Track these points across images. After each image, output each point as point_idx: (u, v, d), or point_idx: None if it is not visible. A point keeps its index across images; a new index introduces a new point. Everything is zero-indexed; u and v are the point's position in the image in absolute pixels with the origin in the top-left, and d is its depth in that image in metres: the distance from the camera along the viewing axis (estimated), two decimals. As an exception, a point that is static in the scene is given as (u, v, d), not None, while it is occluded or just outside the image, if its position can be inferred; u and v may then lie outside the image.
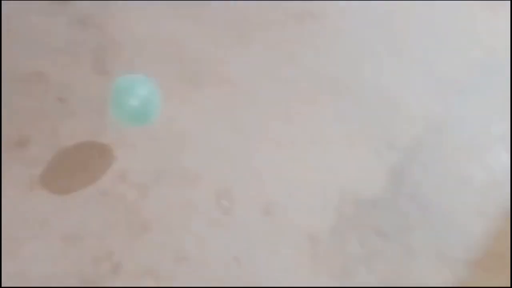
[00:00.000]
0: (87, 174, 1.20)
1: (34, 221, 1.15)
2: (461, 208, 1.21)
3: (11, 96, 1.27)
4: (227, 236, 1.14)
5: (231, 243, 1.13)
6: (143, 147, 1.23)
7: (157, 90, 1.16)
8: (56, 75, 1.30)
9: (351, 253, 1.13)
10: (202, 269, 1.10)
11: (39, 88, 1.29)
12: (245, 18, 1.41)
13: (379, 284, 1.10)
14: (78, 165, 1.21)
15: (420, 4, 1.61)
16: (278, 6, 1.45)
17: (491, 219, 1.20)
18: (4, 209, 1.15)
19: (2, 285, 1.10)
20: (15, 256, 1.11)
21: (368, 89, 1.36)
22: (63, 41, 1.35)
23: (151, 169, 1.21)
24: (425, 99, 1.38)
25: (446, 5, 1.64)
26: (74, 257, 1.11)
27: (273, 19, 1.42)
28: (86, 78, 1.31)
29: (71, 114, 1.26)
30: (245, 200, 1.19)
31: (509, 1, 1.62)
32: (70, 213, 1.16)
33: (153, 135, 1.25)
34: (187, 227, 1.15)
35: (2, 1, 1.39)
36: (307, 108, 1.32)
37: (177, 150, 1.24)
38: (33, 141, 1.22)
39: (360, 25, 1.48)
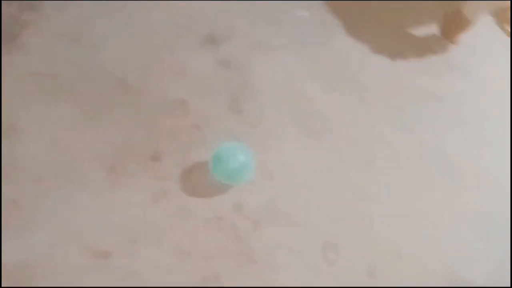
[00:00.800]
0: (207, 198, 1.30)
1: (153, 230, 1.26)
2: None
3: (154, 116, 1.43)
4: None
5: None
6: (262, 185, 1.32)
7: (252, 157, 1.30)
8: (196, 105, 1.46)
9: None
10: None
11: (179, 113, 1.44)
12: (372, 89, 1.52)
13: None
14: (201, 188, 1.32)
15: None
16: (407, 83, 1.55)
17: None
18: (129, 213, 1.27)
19: (2, 285, 1.17)
20: (132, 256, 1.22)
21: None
22: (207, 77, 1.51)
23: (265, 206, 1.29)
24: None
25: None
26: (184, 271, 1.19)
27: (397, 93, 1.52)
28: (221, 113, 1.45)
29: (202, 141, 1.39)
30: (350, 257, 1.23)
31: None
32: (184, 230, 1.26)
33: (272, 176, 1.34)
34: (291, 268, 1.20)
35: None
36: (422, 183, 1.36)
37: (293, 194, 1.32)
38: (165, 158, 1.36)
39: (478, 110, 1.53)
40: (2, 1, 1.66)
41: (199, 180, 1.33)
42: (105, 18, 1.66)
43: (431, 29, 1.74)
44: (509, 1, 1.58)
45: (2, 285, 1.19)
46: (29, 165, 1.35)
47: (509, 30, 1.77)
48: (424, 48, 1.68)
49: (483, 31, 1.73)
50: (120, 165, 1.36)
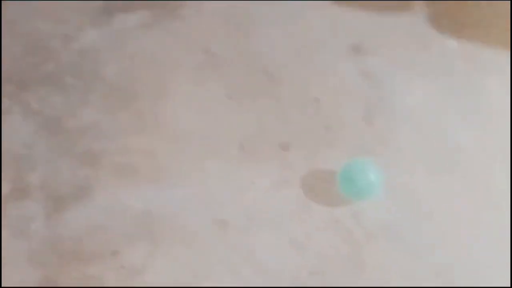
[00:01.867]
0: (327, 200, 1.33)
1: (271, 214, 1.31)
2: None
3: (289, 108, 1.49)
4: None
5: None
6: (384, 199, 1.32)
7: (381, 175, 1.30)
8: (330, 107, 1.50)
9: None
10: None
11: (313, 111, 1.49)
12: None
13: None
14: (322, 189, 1.35)
15: None
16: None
17: None
18: (253, 192, 1.33)
19: (2, 285, 1.20)
20: (248, 233, 1.27)
21: None
22: (347, 83, 1.56)
23: (383, 223, 1.29)
24: None
25: None
26: (294, 262, 1.23)
27: None
28: (354, 120, 1.47)
29: (330, 144, 1.42)
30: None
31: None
32: (300, 223, 1.29)
33: (396, 193, 1.33)
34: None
35: None
36: None
37: (415, 215, 1.31)
38: (294, 150, 1.40)
39: None
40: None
41: (322, 182, 1.36)
42: (263, 6, 1.75)
43: None
44: None
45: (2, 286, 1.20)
46: (170, 126, 1.46)
47: None
48: None
49: None
50: (250, 145, 1.42)
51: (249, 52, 1.63)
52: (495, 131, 1.47)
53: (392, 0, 1.79)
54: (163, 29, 1.67)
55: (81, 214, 1.28)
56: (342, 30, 1.70)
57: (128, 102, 1.49)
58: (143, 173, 1.36)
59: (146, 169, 1.37)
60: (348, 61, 1.61)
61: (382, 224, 1.29)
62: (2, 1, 1.70)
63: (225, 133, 1.44)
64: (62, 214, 1.27)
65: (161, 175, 1.36)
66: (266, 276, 1.21)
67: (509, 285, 1.21)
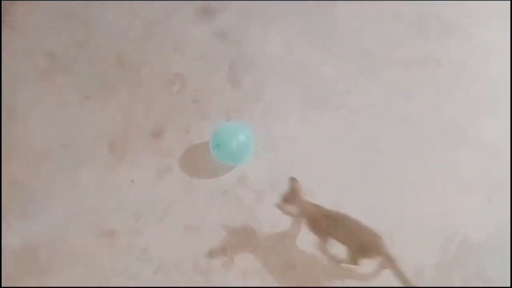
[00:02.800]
0: (211, 173, 1.30)
1: (158, 206, 1.27)
2: None
3: (152, 91, 1.42)
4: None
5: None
6: (264, 157, 1.32)
7: (252, 136, 1.30)
8: (193, 79, 1.44)
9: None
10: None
11: (177, 88, 1.43)
12: (371, 55, 1.49)
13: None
14: (203, 163, 1.32)
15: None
16: (404, 48, 1.52)
17: None
18: (134, 191, 1.28)
19: (2, 285, 1.19)
20: (138, 234, 1.23)
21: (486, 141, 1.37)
22: (203, 50, 1.49)
23: (268, 178, 1.29)
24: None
25: None
26: (191, 245, 1.21)
27: (398, 59, 1.49)
28: (219, 86, 1.43)
29: (202, 116, 1.38)
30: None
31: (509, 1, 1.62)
32: (192, 205, 1.27)
33: (274, 147, 1.34)
34: (296, 239, 1.22)
35: None
36: (422, 145, 1.36)
37: (294, 164, 1.32)
38: (167, 134, 1.35)
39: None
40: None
41: (202, 156, 1.33)
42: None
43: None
44: None
45: (2, 286, 1.21)
46: (29, 146, 1.35)
47: None
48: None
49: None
50: (121, 142, 1.35)
51: (94, 44, 1.51)
52: (354, 58, 1.50)
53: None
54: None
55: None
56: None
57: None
58: (14, 206, 1.27)
59: (15, 201, 1.27)
60: (200, 26, 1.53)
61: (268, 179, 1.30)
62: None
63: (90, 136, 1.36)
64: None
65: (33, 203, 1.27)
66: (168, 271, 1.20)
67: (509, 285, 1.24)
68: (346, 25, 1.53)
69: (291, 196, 1.27)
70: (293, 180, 1.27)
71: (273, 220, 1.25)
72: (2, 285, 1.19)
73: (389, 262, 1.19)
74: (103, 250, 1.22)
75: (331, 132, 1.38)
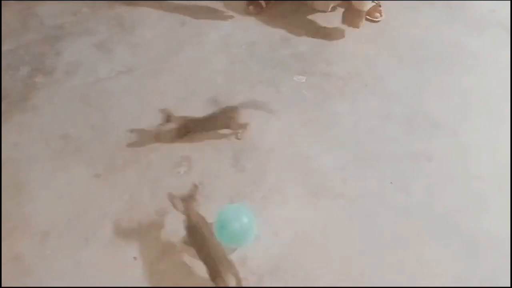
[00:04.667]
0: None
1: (162, 284, 1.26)
2: None
3: (159, 173, 1.49)
4: None
5: None
6: (266, 241, 1.35)
7: (254, 218, 1.34)
8: (200, 161, 1.53)
9: None
10: None
11: (183, 170, 1.51)
12: (367, 149, 1.61)
13: None
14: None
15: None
16: (397, 144, 1.65)
17: None
18: (134, 270, 1.28)
19: (2, 285, 1.17)
20: None
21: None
22: (210, 136, 1.60)
23: (270, 261, 1.32)
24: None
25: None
26: None
27: (391, 153, 1.61)
28: (224, 170, 1.52)
29: (206, 197, 1.44)
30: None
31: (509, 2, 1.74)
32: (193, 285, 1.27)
33: (275, 231, 1.38)
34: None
35: None
36: (416, 236, 1.41)
37: (293, 248, 1.35)
38: (171, 214, 1.38)
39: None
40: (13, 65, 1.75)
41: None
42: (114, 81, 1.78)
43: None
44: None
45: (2, 286, 1.19)
46: (35, 223, 1.38)
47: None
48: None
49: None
50: (126, 220, 1.39)
51: (101, 127, 1.62)
52: (351, 151, 1.61)
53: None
54: (14, 123, 1.62)
55: None
56: (195, 88, 1.76)
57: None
58: (14, 283, 1.26)
59: (16, 278, 1.27)
60: (210, 110, 1.66)
61: (268, 263, 1.32)
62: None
63: (96, 215, 1.40)
64: None
65: (35, 281, 1.27)
66: None
67: (509, 285, 1.26)
68: (343, 120, 1.67)
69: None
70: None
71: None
72: (2, 285, 1.17)
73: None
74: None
75: (329, 219, 1.44)
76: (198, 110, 1.65)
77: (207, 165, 1.54)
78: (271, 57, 1.92)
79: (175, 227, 1.36)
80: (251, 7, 2.09)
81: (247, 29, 2.04)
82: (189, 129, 1.58)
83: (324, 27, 2.04)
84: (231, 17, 2.08)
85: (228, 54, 1.92)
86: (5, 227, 1.35)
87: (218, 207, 1.38)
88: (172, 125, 1.56)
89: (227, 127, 1.59)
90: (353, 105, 1.73)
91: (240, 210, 1.35)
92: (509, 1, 1.86)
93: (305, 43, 1.98)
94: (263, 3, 2.10)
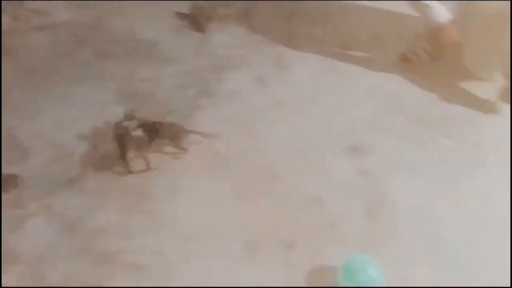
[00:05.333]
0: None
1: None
2: None
3: (293, 206, 1.58)
4: None
5: None
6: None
7: (381, 274, 1.33)
8: (332, 205, 1.58)
9: None
10: None
11: (316, 209, 1.57)
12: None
13: None
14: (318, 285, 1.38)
15: None
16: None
17: None
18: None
19: (2, 285, 1.22)
20: None
21: None
22: (347, 182, 1.65)
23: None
24: None
25: None
26: None
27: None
28: (355, 218, 1.55)
29: (335, 241, 1.48)
30: None
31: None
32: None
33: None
34: None
35: None
36: None
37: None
38: (297, 249, 1.46)
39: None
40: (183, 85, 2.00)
41: (326, 280, 1.39)
42: (265, 112, 1.93)
43: None
44: None
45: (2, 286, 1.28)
46: (182, 225, 1.54)
47: None
48: None
49: None
50: (256, 244, 1.49)
51: (254, 153, 1.76)
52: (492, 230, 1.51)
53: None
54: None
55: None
56: (339, 132, 1.84)
57: (141, 204, 1.60)
58: (153, 272, 1.42)
59: (155, 268, 1.43)
60: (348, 161, 1.72)
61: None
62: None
63: (231, 231, 1.52)
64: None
65: (169, 274, 1.42)
66: None
67: (509, 285, 1.26)
68: (489, 192, 1.59)
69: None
70: None
71: None
72: (2, 285, 1.26)
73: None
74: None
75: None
76: (337, 156, 1.73)
77: (340, 208, 1.58)
78: (419, 115, 1.90)
79: (299, 261, 1.43)
80: (405, 62, 2.12)
81: (398, 82, 2.05)
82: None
83: (480, 97, 1.96)
84: (384, 68, 2.11)
85: (375, 104, 1.96)
86: (155, 224, 1.54)
87: (345, 253, 1.41)
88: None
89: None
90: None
91: (368, 262, 1.36)
92: (509, 1, 1.76)
93: (457, 108, 1.93)
94: (418, 59, 2.11)
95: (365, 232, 1.51)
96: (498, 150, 1.76)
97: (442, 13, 1.97)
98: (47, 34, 2.26)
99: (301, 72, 2.13)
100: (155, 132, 1.71)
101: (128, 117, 1.73)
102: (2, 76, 2.03)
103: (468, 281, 1.37)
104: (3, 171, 1.65)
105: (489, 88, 1.97)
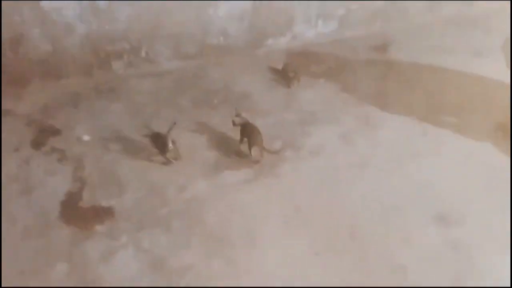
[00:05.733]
0: None
1: None
2: None
3: (371, 268, 1.53)
4: None
5: None
6: None
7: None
8: (416, 276, 1.52)
9: None
10: None
11: (398, 279, 1.51)
12: None
13: None
14: None
15: None
16: None
17: None
18: None
19: (2, 285, 1.18)
20: None
21: None
22: (432, 253, 1.59)
23: None
24: None
25: None
26: None
27: None
28: None
29: None
30: None
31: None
32: None
33: None
34: None
35: None
36: None
37: None
38: None
39: None
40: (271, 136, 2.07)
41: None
42: (348, 170, 1.93)
43: None
44: None
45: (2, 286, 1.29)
46: (261, 275, 1.56)
47: None
48: None
49: None
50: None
51: (335, 210, 1.76)
52: None
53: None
54: (260, 185, 1.90)
55: None
56: (426, 197, 1.78)
57: (222, 249, 1.65)
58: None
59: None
60: (434, 230, 1.65)
61: None
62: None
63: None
64: None
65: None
66: None
67: (509, 285, 1.24)
68: None
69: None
70: None
71: None
72: (2, 285, 1.28)
73: None
74: None
75: None
76: (422, 223, 1.67)
77: (423, 279, 1.51)
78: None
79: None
80: (503, 131, 2.01)
81: (493, 153, 1.96)
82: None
83: None
84: (477, 136, 2.04)
85: (465, 173, 1.88)
86: (232, 271, 1.58)
87: None
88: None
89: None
90: None
91: None
92: (509, 1, 1.65)
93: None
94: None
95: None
96: None
97: None
98: (153, 81, 2.51)
99: (389, 133, 2.12)
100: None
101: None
102: (112, 115, 2.28)
103: None
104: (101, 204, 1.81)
105: None
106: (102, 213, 1.77)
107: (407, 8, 2.83)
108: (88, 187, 1.88)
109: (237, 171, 1.94)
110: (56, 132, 2.17)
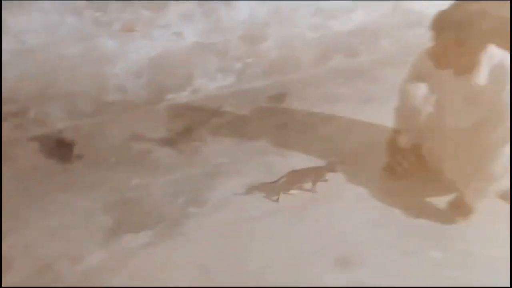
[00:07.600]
0: None
1: None
2: None
3: None
4: None
5: None
6: None
7: None
8: None
9: None
10: None
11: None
12: None
13: None
14: None
15: None
16: None
17: None
18: None
19: (2, 285, 1.12)
20: None
21: None
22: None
23: None
24: None
25: None
26: None
27: None
28: None
29: None
30: None
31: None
32: None
33: None
34: None
35: None
36: None
37: None
38: None
39: None
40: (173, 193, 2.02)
41: None
42: (256, 221, 1.91)
43: None
44: None
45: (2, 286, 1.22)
46: None
47: None
48: None
49: None
50: None
51: (243, 265, 1.72)
52: None
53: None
54: (163, 247, 1.81)
55: None
56: (328, 242, 1.82)
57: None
58: None
59: None
60: (337, 275, 1.67)
61: None
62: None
63: None
64: None
65: None
66: None
67: (509, 285, 1.24)
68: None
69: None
70: None
71: None
72: (2, 285, 1.21)
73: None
74: None
75: None
76: (326, 267, 1.69)
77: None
78: (407, 225, 1.88)
79: None
80: (389, 172, 2.13)
81: (382, 193, 2.06)
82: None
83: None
84: (370, 179, 2.14)
85: (364, 215, 1.95)
86: None
87: None
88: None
89: None
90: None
91: None
92: (509, 1, 1.80)
93: (442, 214, 1.92)
94: (401, 169, 2.13)
95: None
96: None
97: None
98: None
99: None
100: None
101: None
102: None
103: None
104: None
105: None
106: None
107: (300, 59, 3.03)
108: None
109: (137, 234, 1.84)
110: None
